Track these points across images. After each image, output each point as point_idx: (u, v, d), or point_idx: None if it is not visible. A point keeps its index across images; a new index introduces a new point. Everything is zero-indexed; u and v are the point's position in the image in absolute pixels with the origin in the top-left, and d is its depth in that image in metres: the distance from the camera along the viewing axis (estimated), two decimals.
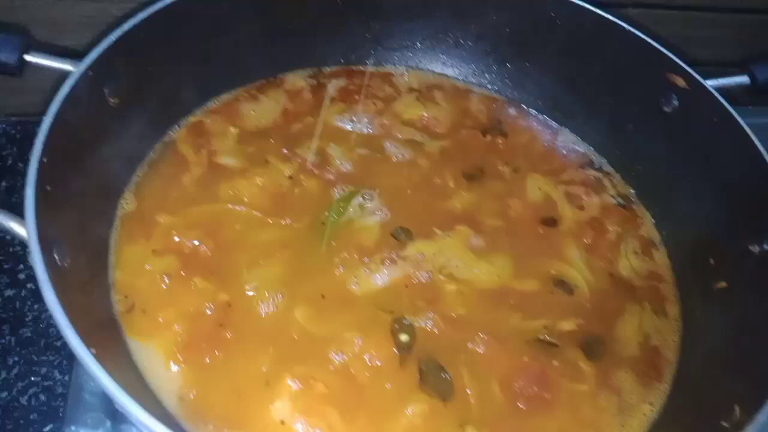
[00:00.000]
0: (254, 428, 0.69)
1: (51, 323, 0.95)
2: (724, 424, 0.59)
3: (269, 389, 0.71)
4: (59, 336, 0.94)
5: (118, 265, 0.79)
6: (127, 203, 0.85)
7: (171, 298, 0.77)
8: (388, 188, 0.94)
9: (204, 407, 0.70)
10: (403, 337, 0.77)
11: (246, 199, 0.88)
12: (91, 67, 0.76)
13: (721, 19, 1.23)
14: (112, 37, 0.80)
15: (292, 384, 0.71)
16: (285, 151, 0.95)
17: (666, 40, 0.95)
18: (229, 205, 0.87)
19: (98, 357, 0.52)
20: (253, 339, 0.75)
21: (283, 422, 0.69)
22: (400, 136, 1.03)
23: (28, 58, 0.76)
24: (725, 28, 1.24)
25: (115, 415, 0.82)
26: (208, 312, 0.76)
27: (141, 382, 0.69)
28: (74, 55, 0.77)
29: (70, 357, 0.91)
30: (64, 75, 0.75)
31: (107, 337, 0.70)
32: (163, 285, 0.78)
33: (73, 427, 0.81)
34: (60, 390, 0.89)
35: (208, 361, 0.73)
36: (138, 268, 0.79)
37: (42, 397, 0.87)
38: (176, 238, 0.82)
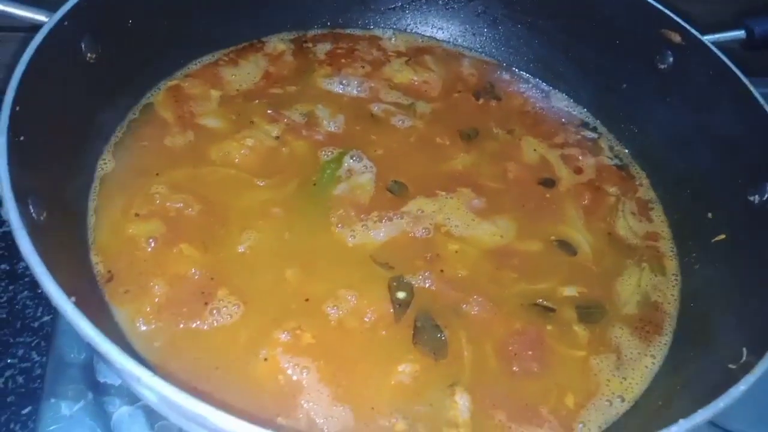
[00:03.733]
0: (238, 367, 0.67)
1: (27, 304, 0.92)
2: (732, 366, 0.57)
3: (256, 343, 0.68)
4: (36, 316, 0.91)
5: (97, 227, 0.75)
6: (106, 163, 0.81)
7: (155, 264, 0.73)
8: (381, 149, 0.91)
9: (183, 358, 0.67)
10: (401, 294, 0.74)
11: (237, 161, 0.85)
12: (66, 18, 0.72)
13: None
14: None
15: (279, 336, 0.69)
16: (270, 112, 0.92)
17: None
18: (219, 167, 0.83)
19: (78, 305, 0.48)
20: (242, 301, 0.72)
21: (266, 359, 0.67)
22: (390, 99, 1.00)
23: None
24: None
25: (97, 386, 0.79)
26: (195, 277, 0.72)
27: (123, 340, 0.65)
28: (44, 4, 0.73)
29: (48, 337, 0.88)
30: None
31: (87, 294, 0.66)
32: (148, 249, 0.74)
33: (53, 400, 0.78)
34: (38, 371, 0.86)
35: (193, 325, 0.69)
36: (119, 231, 0.75)
37: (19, 380, 0.84)
38: (159, 201, 0.78)
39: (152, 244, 0.74)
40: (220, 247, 0.76)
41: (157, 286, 0.70)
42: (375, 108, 0.98)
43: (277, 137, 0.89)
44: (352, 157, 0.88)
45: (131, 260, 0.73)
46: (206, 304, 0.70)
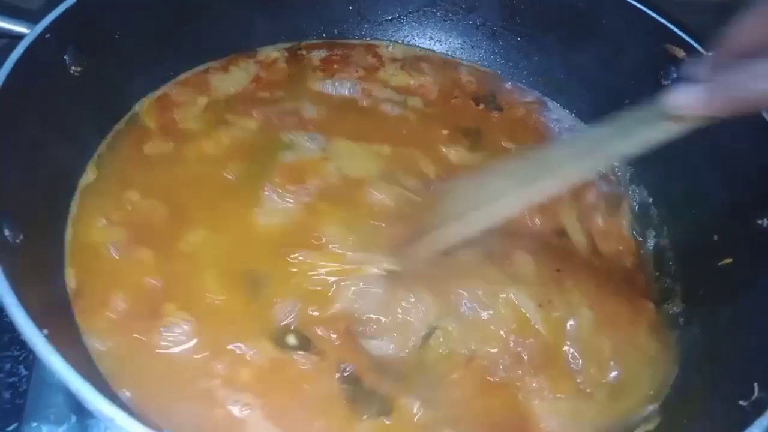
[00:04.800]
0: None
1: None
2: (743, 403, 0.54)
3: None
4: None
5: (73, 240, 0.73)
6: (87, 175, 0.79)
7: (117, 272, 0.71)
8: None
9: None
10: None
11: (212, 157, 0.83)
12: (48, 30, 0.70)
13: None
14: None
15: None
16: (254, 112, 0.89)
17: (665, 12, 0.91)
18: (192, 165, 0.82)
19: (51, 338, 0.46)
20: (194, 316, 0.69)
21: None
22: (383, 96, 0.97)
23: None
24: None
25: (81, 409, 0.76)
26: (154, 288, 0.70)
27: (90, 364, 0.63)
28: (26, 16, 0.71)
29: None
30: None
31: (61, 318, 0.64)
32: (114, 256, 0.72)
33: (33, 424, 0.75)
34: (25, 387, 0.82)
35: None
36: (90, 242, 0.73)
37: (5, 395, 0.81)
38: (130, 207, 0.76)
39: (114, 252, 0.72)
40: (180, 252, 0.73)
41: (119, 300, 0.68)
42: (365, 103, 0.95)
43: (256, 132, 0.87)
44: (308, 139, 0.85)
45: (98, 272, 0.70)
46: (157, 318, 0.68)
